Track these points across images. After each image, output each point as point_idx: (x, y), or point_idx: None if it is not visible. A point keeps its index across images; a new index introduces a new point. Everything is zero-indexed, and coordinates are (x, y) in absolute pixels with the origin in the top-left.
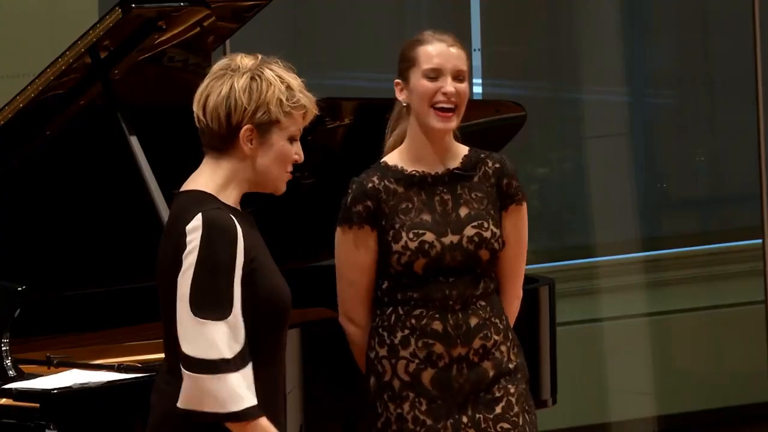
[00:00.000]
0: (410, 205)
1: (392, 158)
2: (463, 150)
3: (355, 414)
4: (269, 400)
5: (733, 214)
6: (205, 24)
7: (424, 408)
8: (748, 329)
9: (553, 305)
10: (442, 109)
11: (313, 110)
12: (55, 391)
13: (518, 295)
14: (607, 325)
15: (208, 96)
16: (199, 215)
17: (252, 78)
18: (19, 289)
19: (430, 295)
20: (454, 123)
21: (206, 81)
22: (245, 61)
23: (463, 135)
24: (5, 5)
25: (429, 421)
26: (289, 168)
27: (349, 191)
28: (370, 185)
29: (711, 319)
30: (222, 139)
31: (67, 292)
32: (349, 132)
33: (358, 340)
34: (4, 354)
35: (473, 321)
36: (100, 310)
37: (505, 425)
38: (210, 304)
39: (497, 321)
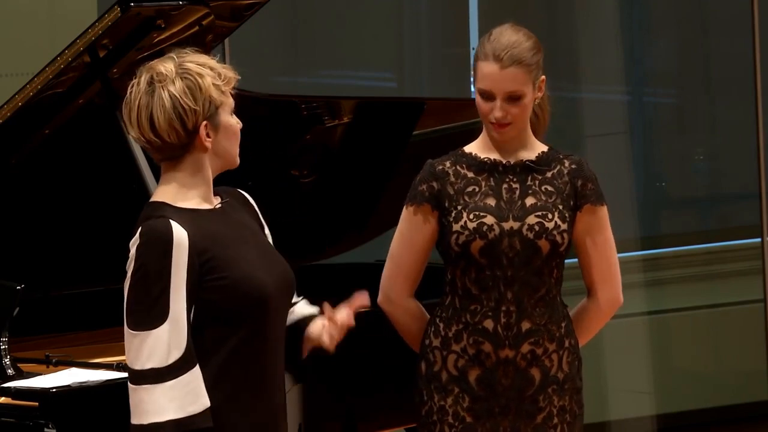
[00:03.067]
0: (477, 189)
1: (470, 146)
2: (542, 147)
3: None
4: (249, 389)
5: (732, 213)
6: (204, 23)
7: (466, 405)
8: (747, 328)
9: None
10: (498, 124)
11: (236, 76)
12: (54, 390)
13: (615, 298)
14: (606, 324)
15: (151, 115)
16: (140, 228)
17: (182, 78)
18: (18, 287)
19: (486, 290)
20: (510, 134)
21: (135, 100)
22: (164, 65)
23: (461, 134)
24: (4, 4)
25: (468, 419)
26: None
27: (421, 172)
28: (440, 167)
29: (710, 318)
30: (181, 147)
31: (66, 290)
32: (347, 131)
33: (396, 320)
34: (3, 353)
35: (525, 325)
36: (99, 308)
37: None
38: (141, 315)
39: (553, 328)
